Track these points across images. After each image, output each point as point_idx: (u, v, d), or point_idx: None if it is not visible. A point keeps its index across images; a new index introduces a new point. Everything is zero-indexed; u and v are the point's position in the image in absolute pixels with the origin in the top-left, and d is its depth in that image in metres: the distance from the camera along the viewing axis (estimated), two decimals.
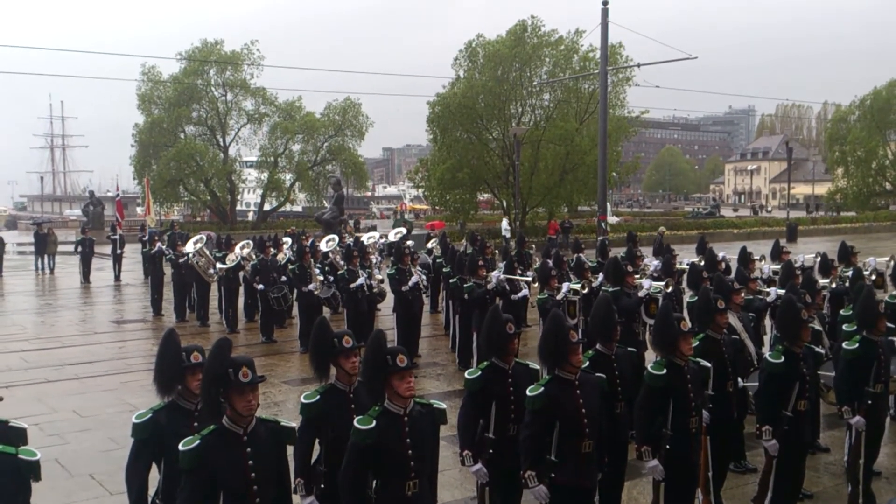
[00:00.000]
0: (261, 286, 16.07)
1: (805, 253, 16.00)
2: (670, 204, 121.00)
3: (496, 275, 12.79)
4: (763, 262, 13.52)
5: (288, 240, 20.15)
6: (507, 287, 12.94)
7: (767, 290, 10.93)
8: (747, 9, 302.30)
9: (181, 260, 18.12)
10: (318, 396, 5.47)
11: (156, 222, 34.64)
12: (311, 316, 14.45)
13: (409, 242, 18.55)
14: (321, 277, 15.49)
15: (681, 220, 58.77)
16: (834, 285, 11.79)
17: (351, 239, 21.55)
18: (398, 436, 4.88)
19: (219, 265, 17.39)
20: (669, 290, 10.93)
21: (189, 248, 18.04)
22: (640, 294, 10.90)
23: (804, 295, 8.53)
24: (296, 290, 15.63)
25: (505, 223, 37.38)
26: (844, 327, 8.32)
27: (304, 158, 51.23)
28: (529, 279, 13.14)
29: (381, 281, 14.99)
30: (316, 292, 15.06)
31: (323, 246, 18.01)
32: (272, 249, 17.36)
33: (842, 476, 7.98)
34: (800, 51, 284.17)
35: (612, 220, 39.36)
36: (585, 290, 11.72)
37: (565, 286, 11.82)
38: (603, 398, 5.94)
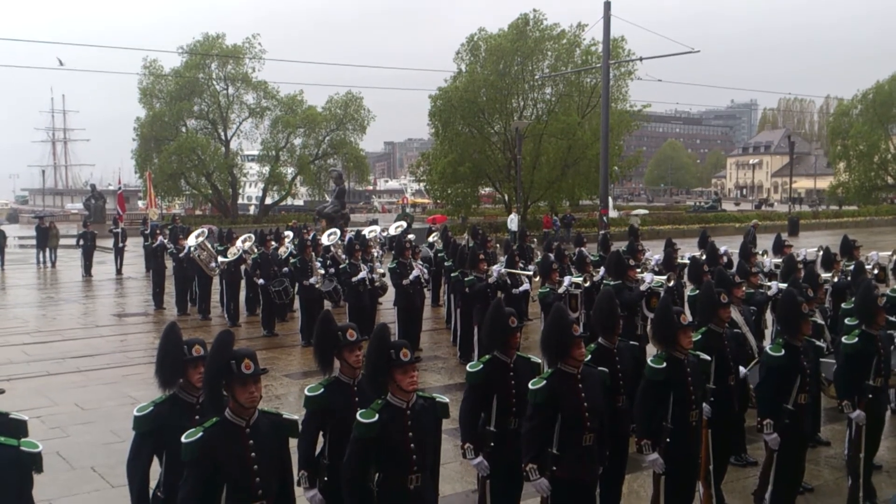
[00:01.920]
0: (261, 281, 16.10)
1: (807, 247, 15.99)
2: (672, 198, 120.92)
3: (497, 268, 12.79)
4: (765, 256, 13.51)
5: (289, 233, 20.14)
6: (509, 281, 12.94)
7: (769, 283, 10.93)
8: (749, 4, 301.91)
9: (182, 254, 18.12)
10: (323, 389, 5.47)
11: (158, 216, 34.66)
12: (312, 310, 14.48)
13: (411, 236, 18.57)
14: (322, 271, 15.49)
15: (682, 214, 58.80)
16: (836, 279, 11.79)
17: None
18: (401, 429, 4.89)
19: (220, 259, 17.40)
20: (671, 284, 10.94)
21: (191, 241, 18.04)
22: (642, 288, 10.91)
23: (806, 289, 8.54)
24: (297, 284, 15.64)
25: (513, 217, 37.27)
26: (846, 321, 8.32)
27: (306, 152, 51.25)
28: (531, 273, 13.14)
29: (383, 275, 14.99)
30: (317, 286, 15.07)
31: (324, 240, 18.01)
32: (273, 243, 17.37)
33: (842, 470, 7.99)
34: (802, 45, 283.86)
35: (613, 214, 39.30)
36: (587, 284, 11.73)
37: (567, 280, 11.84)
38: (605, 392, 5.95)
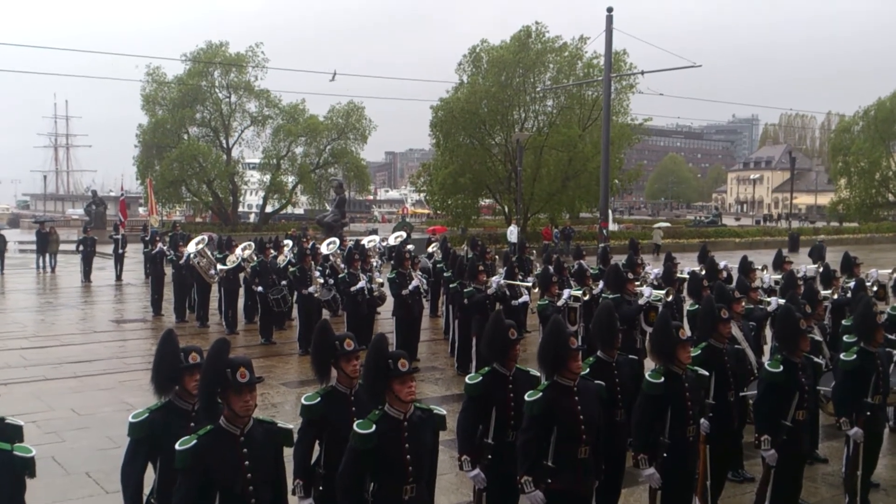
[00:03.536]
0: (260, 288, 16.08)
1: (807, 263, 15.98)
2: (672, 212, 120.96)
3: (496, 280, 12.78)
4: (764, 271, 13.50)
5: (289, 242, 20.12)
6: (508, 293, 12.93)
7: (768, 299, 10.91)
8: (751, 18, 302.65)
9: (182, 260, 18.11)
10: (319, 398, 5.46)
11: (158, 222, 34.65)
12: (310, 318, 14.46)
13: (410, 247, 18.58)
14: (321, 280, 15.47)
15: (682, 228, 58.78)
16: (836, 296, 11.77)
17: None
18: (397, 440, 4.88)
19: (219, 266, 17.38)
20: (670, 298, 10.92)
21: (190, 248, 18.02)
22: (641, 302, 10.89)
23: (804, 305, 8.52)
24: (296, 293, 15.62)
25: (512, 228, 37.28)
26: (845, 338, 8.31)
27: (307, 161, 51.31)
28: (530, 285, 13.13)
29: (381, 284, 14.98)
30: (316, 295, 15.05)
31: (324, 249, 18.00)
32: (272, 251, 17.36)
33: (840, 487, 7.96)
34: (804, 61, 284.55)
35: (613, 227, 39.44)
36: (586, 298, 11.71)
37: (566, 293, 11.82)
38: (601, 405, 5.93)
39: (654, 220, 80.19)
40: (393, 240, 21.47)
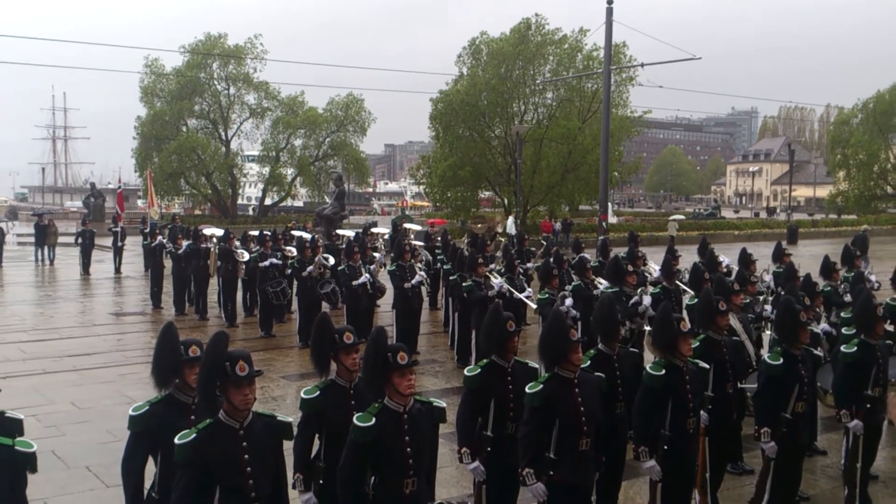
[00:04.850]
0: (246, 256, 16.31)
1: (805, 255, 15.96)
2: (671, 204, 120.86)
3: (497, 283, 12.67)
4: (766, 272, 13.46)
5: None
6: (507, 294, 12.89)
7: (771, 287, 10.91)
8: (751, 10, 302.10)
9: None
10: (319, 392, 5.46)
11: (158, 215, 34.60)
12: (310, 311, 14.44)
13: (419, 243, 18.55)
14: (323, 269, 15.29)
15: (683, 220, 58.73)
16: (828, 289, 11.72)
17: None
18: (397, 433, 4.88)
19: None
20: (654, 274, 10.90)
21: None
22: (633, 302, 10.88)
23: (803, 297, 8.52)
24: (296, 285, 15.59)
25: (510, 221, 37.23)
26: (844, 330, 8.31)
27: (306, 153, 51.26)
28: (530, 293, 13.09)
29: (378, 271, 14.93)
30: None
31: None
32: (271, 244, 17.29)
33: (839, 479, 7.96)
34: (804, 53, 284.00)
35: (612, 219, 39.43)
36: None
37: (568, 302, 11.56)
38: (602, 397, 5.93)
39: (657, 213, 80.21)
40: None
